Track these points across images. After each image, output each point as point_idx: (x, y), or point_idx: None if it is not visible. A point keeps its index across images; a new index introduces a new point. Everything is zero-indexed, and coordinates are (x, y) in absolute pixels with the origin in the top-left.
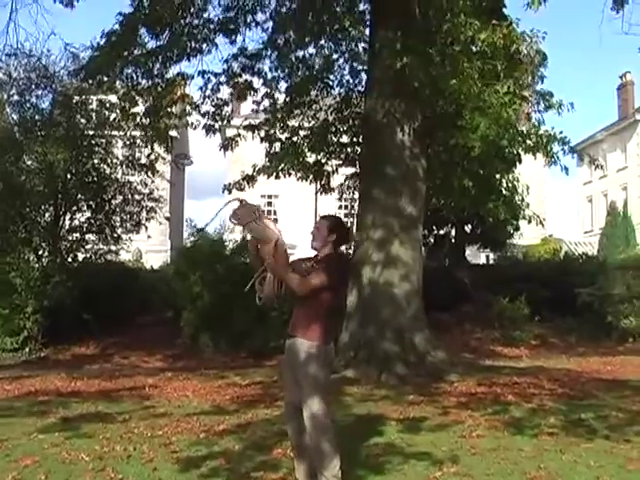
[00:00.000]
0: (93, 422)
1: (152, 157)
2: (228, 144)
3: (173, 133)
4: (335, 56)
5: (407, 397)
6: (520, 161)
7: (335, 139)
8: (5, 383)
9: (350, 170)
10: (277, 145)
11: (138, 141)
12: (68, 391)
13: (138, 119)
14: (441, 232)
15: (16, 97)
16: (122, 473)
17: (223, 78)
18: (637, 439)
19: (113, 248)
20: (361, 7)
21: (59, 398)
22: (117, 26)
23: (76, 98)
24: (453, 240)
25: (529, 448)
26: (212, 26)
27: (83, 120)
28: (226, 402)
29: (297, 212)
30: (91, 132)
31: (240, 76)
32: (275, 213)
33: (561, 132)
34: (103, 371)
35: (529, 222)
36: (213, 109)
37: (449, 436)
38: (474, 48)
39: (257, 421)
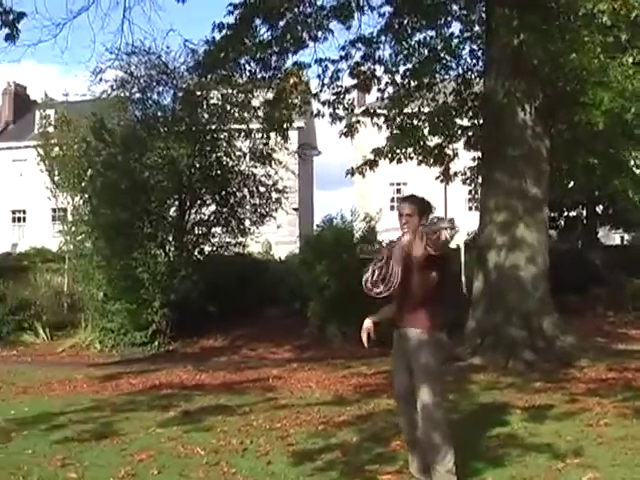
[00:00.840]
0: (213, 415)
1: (269, 148)
2: (348, 131)
3: (298, 123)
4: (453, 38)
5: (534, 384)
6: None
7: (455, 121)
8: (131, 377)
9: (475, 155)
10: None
11: (258, 134)
12: (192, 384)
13: (257, 111)
14: (572, 214)
15: (138, 95)
16: (235, 467)
17: (342, 65)
18: None
19: (240, 240)
20: None
21: (182, 391)
22: (229, 18)
23: (197, 93)
24: (584, 221)
25: None
26: (325, 12)
27: (205, 115)
28: (348, 392)
29: (427, 198)
30: (213, 126)
31: (361, 65)
32: None
33: None
34: (229, 363)
35: None
36: (334, 97)
37: (575, 425)
38: (595, 20)
39: (378, 412)
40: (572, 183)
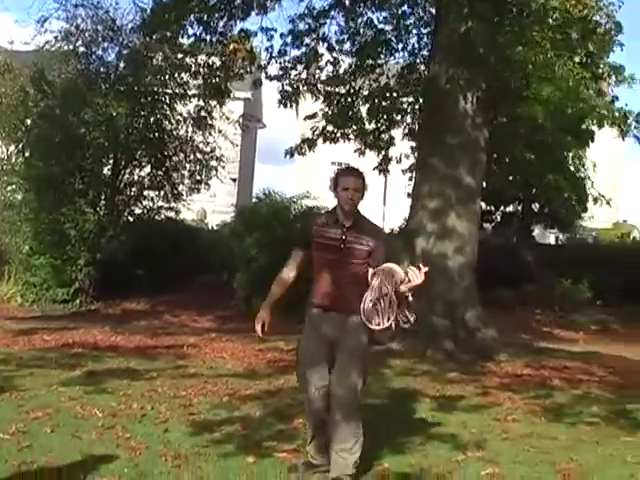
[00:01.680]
0: (119, 378)
1: (208, 114)
2: (287, 99)
3: (245, 94)
4: (405, 19)
5: (449, 374)
6: (593, 139)
7: (395, 105)
8: (46, 333)
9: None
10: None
11: (197, 99)
12: (105, 345)
13: (198, 75)
14: (508, 209)
15: (82, 49)
16: (131, 432)
17: (289, 39)
18: None
19: (173, 205)
20: None
21: (94, 352)
22: None
23: (142, 53)
24: (521, 218)
25: (564, 437)
26: None
27: (148, 75)
28: (261, 366)
29: (367, 180)
30: (155, 88)
31: (306, 36)
32: None
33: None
34: (148, 328)
35: (595, 202)
36: (281, 72)
37: (482, 418)
38: (548, 15)
39: (286, 388)
40: (510, 177)
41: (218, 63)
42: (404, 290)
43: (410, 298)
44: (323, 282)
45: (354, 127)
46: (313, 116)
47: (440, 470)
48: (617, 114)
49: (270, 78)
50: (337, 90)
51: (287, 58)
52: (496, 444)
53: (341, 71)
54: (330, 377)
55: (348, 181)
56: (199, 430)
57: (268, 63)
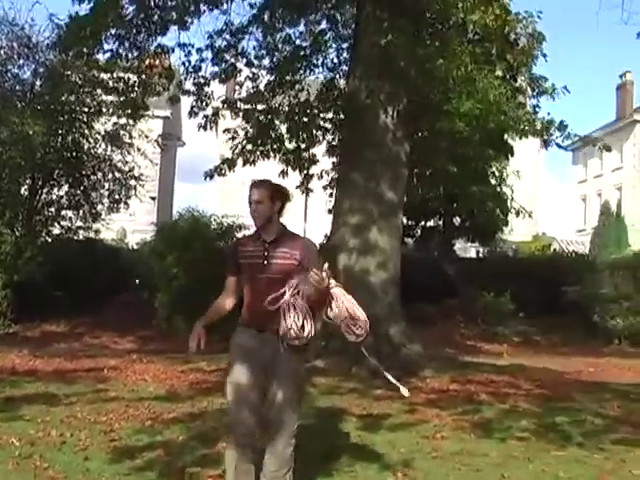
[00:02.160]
0: (37, 404)
1: (126, 132)
2: (206, 122)
3: (163, 112)
4: (323, 35)
5: (375, 391)
6: (512, 154)
7: (315, 121)
8: None
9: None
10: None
11: (114, 117)
12: (24, 370)
13: (115, 92)
14: (430, 223)
15: None
16: (49, 461)
17: (206, 54)
18: (613, 448)
19: (91, 225)
20: None
21: (11, 377)
22: None
23: (59, 70)
24: (442, 232)
25: (495, 453)
26: None
27: (65, 93)
28: (184, 388)
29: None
30: (72, 106)
31: (225, 53)
32: None
33: (561, 120)
34: (68, 350)
35: (517, 215)
36: (194, 87)
37: (410, 436)
38: (468, 30)
39: (210, 410)
40: (431, 191)
41: (135, 79)
42: (309, 292)
43: (338, 304)
44: (252, 301)
45: (274, 146)
46: (233, 136)
47: None
48: (539, 125)
49: (184, 92)
50: (256, 107)
51: (202, 74)
52: (425, 463)
53: (261, 87)
54: (263, 402)
55: (251, 193)
56: (120, 457)
57: (185, 79)
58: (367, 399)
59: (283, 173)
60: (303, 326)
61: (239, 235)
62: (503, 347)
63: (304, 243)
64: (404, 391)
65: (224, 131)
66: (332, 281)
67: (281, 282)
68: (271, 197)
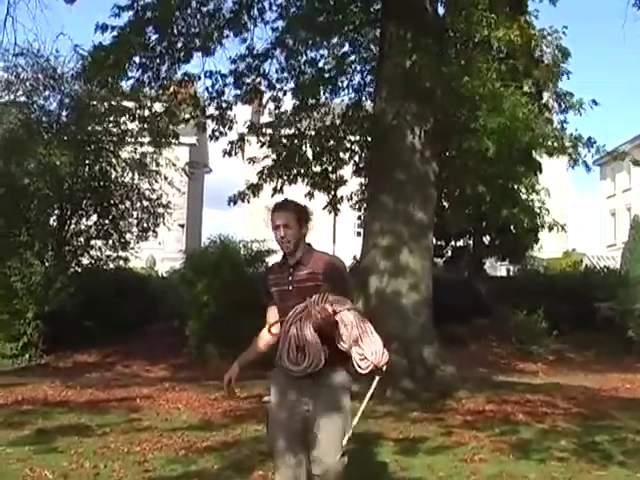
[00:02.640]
0: (70, 435)
1: (154, 161)
2: (232, 149)
3: (190, 140)
4: (346, 57)
5: (411, 414)
6: (541, 170)
7: (342, 143)
8: None
9: (363, 181)
10: (283, 152)
11: (143, 146)
12: (56, 400)
13: (144, 121)
14: (459, 243)
15: (23, 98)
16: None
17: (230, 79)
18: None
19: (121, 254)
20: (375, 6)
21: (43, 408)
22: (116, 20)
23: (85, 100)
24: (472, 251)
25: (535, 475)
26: (219, 22)
27: (91, 123)
28: (217, 416)
29: (316, 220)
30: (98, 135)
31: (247, 77)
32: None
33: (589, 136)
34: (100, 380)
35: (550, 230)
36: (217, 111)
37: (448, 459)
38: (493, 47)
39: (244, 439)
40: (462, 211)
41: (160, 107)
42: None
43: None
44: (285, 336)
45: (301, 170)
46: (257, 161)
47: None
48: (567, 142)
49: (207, 117)
50: (282, 132)
51: (225, 98)
52: None
53: (285, 110)
54: (305, 454)
55: (276, 217)
56: None
57: (208, 104)
58: (403, 422)
59: (310, 195)
60: (297, 357)
61: (269, 260)
62: (537, 366)
63: (329, 260)
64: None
65: (249, 161)
66: (343, 306)
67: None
68: (298, 219)
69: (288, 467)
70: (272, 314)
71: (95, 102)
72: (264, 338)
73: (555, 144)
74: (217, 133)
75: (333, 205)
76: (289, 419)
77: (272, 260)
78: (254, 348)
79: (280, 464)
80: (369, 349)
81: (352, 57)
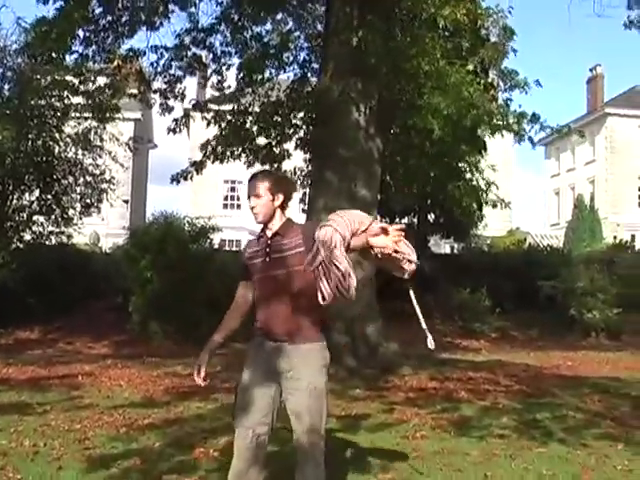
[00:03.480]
0: (9, 413)
1: (98, 136)
2: (176, 126)
3: (134, 115)
4: (291, 33)
5: (353, 391)
6: (486, 149)
7: (287, 120)
8: None
9: (307, 156)
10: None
11: (86, 121)
12: None
13: (87, 95)
14: (404, 221)
15: None
16: (22, 472)
17: (174, 53)
18: (595, 444)
19: (63, 230)
20: None
21: None
22: None
23: (28, 74)
24: (416, 229)
25: (477, 452)
26: None
27: (34, 97)
28: (159, 393)
29: None
30: (42, 110)
31: (189, 49)
32: (239, 199)
33: (533, 112)
34: (42, 357)
35: (494, 207)
36: (165, 86)
37: (391, 436)
38: (439, 25)
39: (186, 416)
40: (407, 189)
41: (104, 82)
42: (361, 243)
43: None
44: (263, 306)
45: (244, 144)
46: (206, 144)
47: None
48: (512, 119)
49: (155, 92)
50: (227, 108)
51: (172, 72)
52: (406, 464)
53: (230, 86)
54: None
55: (248, 187)
56: (95, 466)
57: (154, 79)
58: (346, 399)
59: (249, 164)
60: (349, 284)
61: (213, 237)
62: (480, 343)
63: (303, 228)
64: (430, 342)
65: (200, 147)
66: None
67: (290, 279)
68: (271, 190)
69: (251, 442)
70: (240, 292)
71: (39, 76)
72: (237, 309)
73: (500, 122)
74: (165, 106)
75: None
76: (262, 382)
77: (218, 237)
78: (225, 326)
79: (241, 422)
80: (408, 249)
81: (297, 33)
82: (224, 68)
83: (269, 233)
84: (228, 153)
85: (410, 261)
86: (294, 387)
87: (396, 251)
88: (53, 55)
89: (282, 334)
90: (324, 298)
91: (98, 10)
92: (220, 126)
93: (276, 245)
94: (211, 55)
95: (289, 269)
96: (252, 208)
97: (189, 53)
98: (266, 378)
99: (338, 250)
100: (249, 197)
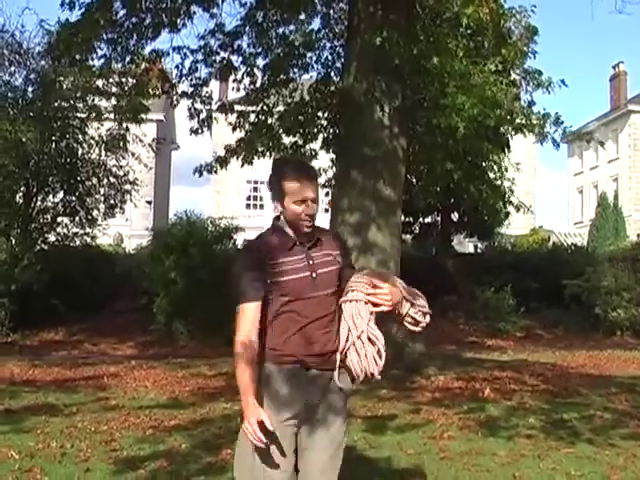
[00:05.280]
0: (37, 414)
1: (123, 137)
2: (200, 127)
3: (157, 116)
4: (316, 33)
5: (379, 392)
6: (509, 147)
7: (312, 120)
8: None
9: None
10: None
11: (111, 122)
12: (23, 380)
13: (112, 97)
14: (427, 220)
15: None
16: (49, 474)
17: (200, 56)
18: (623, 444)
19: (88, 231)
20: None
21: (10, 387)
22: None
23: (51, 76)
24: (440, 228)
25: (504, 452)
26: None
27: (57, 99)
28: (185, 394)
29: None
30: (65, 112)
31: (218, 54)
32: (262, 199)
33: (556, 113)
34: (68, 358)
35: (517, 210)
36: (192, 89)
37: (417, 437)
38: (462, 24)
39: (213, 417)
40: (431, 188)
41: (131, 83)
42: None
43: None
44: (296, 329)
45: (270, 143)
46: (229, 147)
47: None
48: (535, 120)
49: (182, 95)
50: (251, 109)
51: (198, 75)
52: (434, 465)
53: (254, 89)
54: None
55: (303, 188)
56: (122, 468)
57: (179, 81)
58: (372, 400)
59: None
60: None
61: (236, 237)
62: (506, 342)
63: (335, 235)
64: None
65: (225, 148)
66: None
67: (329, 299)
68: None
69: None
70: (254, 315)
71: (62, 78)
72: (253, 360)
73: (523, 121)
74: (193, 110)
75: None
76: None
77: (241, 237)
78: (251, 372)
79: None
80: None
81: (322, 33)
82: (255, 69)
83: (305, 241)
84: (253, 151)
85: (425, 313)
86: (324, 420)
87: (412, 304)
88: (77, 57)
89: (322, 364)
90: (354, 379)
91: (121, 12)
92: (244, 127)
93: (318, 256)
94: (240, 58)
95: (331, 289)
96: (309, 216)
97: (218, 58)
98: (290, 424)
99: (373, 322)
100: (304, 201)
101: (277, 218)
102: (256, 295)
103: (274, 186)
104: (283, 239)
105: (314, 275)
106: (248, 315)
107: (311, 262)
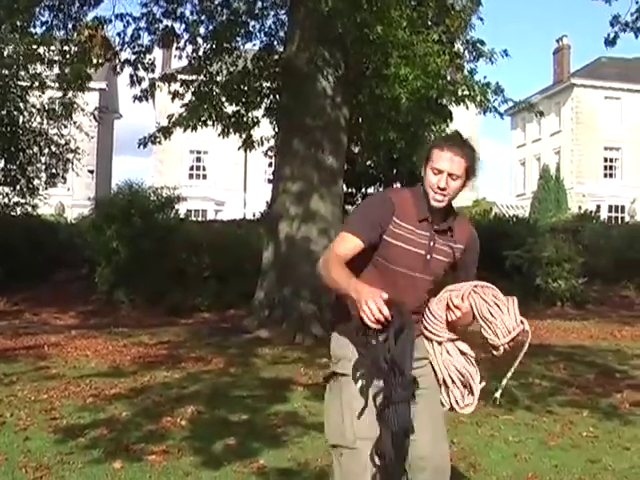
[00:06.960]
0: None
1: (66, 106)
2: (143, 95)
3: (99, 85)
4: (259, 1)
5: (320, 360)
6: (452, 118)
7: (255, 89)
8: None
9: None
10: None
11: (52, 90)
12: None
13: (53, 65)
14: (370, 191)
15: None
16: None
17: (143, 23)
18: (560, 411)
19: (29, 200)
20: None
21: None
22: None
23: None
24: None
25: None
26: None
27: None
28: (126, 363)
29: (227, 168)
30: (5, 80)
31: (161, 22)
32: (204, 169)
33: (497, 82)
34: (9, 328)
35: None
36: (134, 56)
37: None
38: None
39: (153, 385)
40: (374, 158)
41: (74, 51)
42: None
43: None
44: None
45: (212, 112)
46: (172, 117)
47: (320, 463)
48: (476, 88)
49: (124, 63)
50: (194, 78)
51: (140, 42)
52: None
53: (199, 54)
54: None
55: (444, 158)
56: (62, 436)
57: (122, 49)
58: (313, 367)
59: (224, 133)
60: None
61: (178, 206)
62: None
63: (473, 234)
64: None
65: (167, 117)
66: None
67: (428, 286)
68: (468, 172)
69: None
70: (350, 248)
71: (2, 45)
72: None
73: (465, 92)
74: (135, 78)
75: (248, 144)
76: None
77: (183, 207)
78: (349, 272)
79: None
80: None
81: (265, 1)
82: (198, 38)
83: (437, 223)
84: (195, 120)
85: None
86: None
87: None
88: (18, 24)
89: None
90: (443, 405)
91: None
92: (184, 97)
93: (442, 243)
94: (183, 25)
95: (437, 278)
96: (442, 190)
97: (161, 26)
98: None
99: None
100: (440, 172)
101: (421, 184)
102: (364, 233)
103: (425, 153)
104: (419, 206)
105: (428, 257)
106: (347, 243)
107: (432, 244)
